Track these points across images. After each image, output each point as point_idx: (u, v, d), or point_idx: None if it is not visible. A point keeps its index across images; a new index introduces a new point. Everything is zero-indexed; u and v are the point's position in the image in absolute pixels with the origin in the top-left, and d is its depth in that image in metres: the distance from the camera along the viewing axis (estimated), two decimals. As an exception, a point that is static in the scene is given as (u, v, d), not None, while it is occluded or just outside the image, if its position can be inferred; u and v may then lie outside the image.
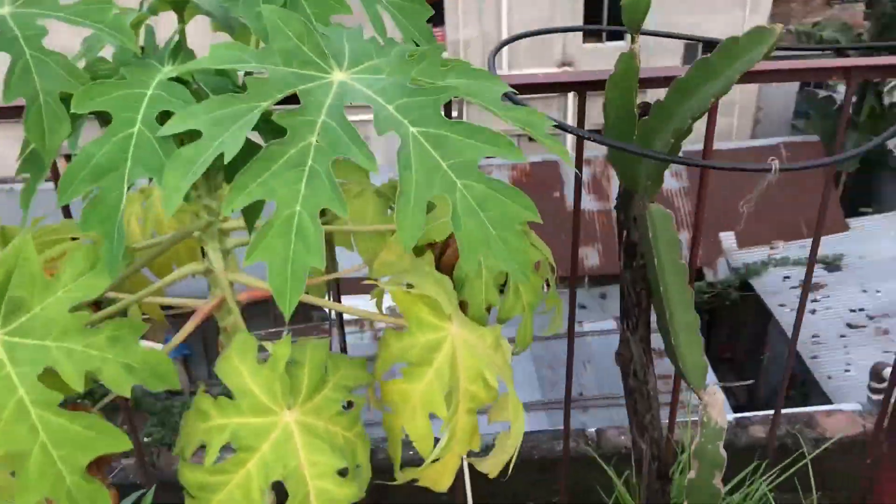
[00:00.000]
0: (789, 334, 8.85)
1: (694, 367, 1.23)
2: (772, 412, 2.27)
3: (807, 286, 1.43)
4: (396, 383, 0.96)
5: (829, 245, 8.94)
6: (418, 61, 0.84)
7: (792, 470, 1.80)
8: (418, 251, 1.07)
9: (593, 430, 2.12)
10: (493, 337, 1.01)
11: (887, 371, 2.22)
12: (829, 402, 7.49)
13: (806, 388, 7.98)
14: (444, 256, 1.07)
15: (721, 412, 1.26)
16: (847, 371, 7.65)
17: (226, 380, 0.87)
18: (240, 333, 0.90)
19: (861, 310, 8.14)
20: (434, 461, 1.00)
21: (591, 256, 8.98)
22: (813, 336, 8.00)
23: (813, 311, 8.25)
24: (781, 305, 8.37)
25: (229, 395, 0.89)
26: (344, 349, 1.27)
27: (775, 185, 1.18)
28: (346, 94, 0.79)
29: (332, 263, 1.22)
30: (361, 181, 1.17)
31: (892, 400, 1.46)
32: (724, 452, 1.26)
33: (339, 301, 1.22)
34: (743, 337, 9.27)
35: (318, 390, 0.90)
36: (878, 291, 8.27)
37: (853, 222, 9.25)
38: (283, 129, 0.75)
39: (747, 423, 2.15)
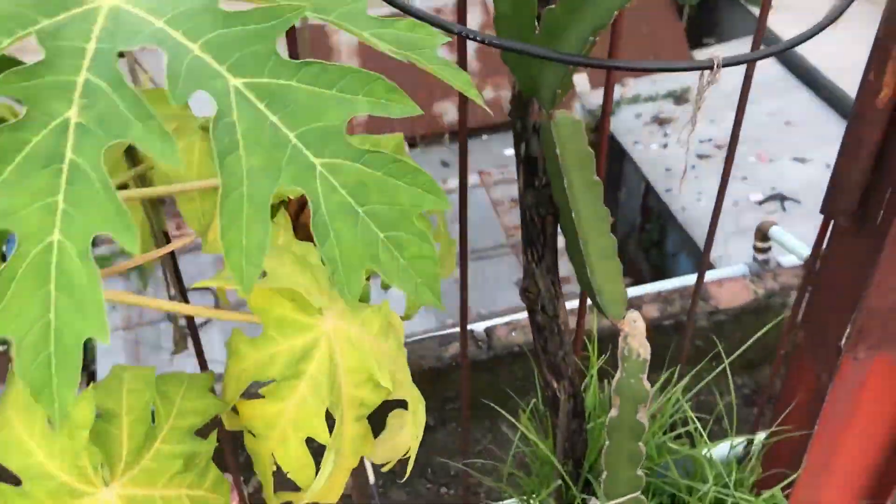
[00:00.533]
0: (643, 170, 9.02)
1: (612, 297, 1.03)
2: (661, 285, 2.15)
3: (726, 174, 1.23)
4: (257, 405, 0.70)
5: (677, 79, 8.98)
6: (233, -38, 0.53)
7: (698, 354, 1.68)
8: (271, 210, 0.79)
9: (482, 329, 1.94)
10: (380, 319, 0.76)
11: (773, 230, 2.12)
12: (684, 231, 7.72)
13: (662, 220, 8.19)
14: (303, 214, 0.80)
15: (643, 342, 1.07)
16: (699, 200, 7.87)
17: (5, 459, 0.58)
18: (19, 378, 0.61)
19: (709, 140, 8.30)
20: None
21: (449, 112, 8.65)
22: (666, 169, 8.13)
23: (665, 146, 8.36)
24: (636, 143, 8.42)
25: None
26: (198, 354, 0.99)
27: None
28: (121, 31, 0.48)
29: (157, 228, 0.92)
30: (178, 114, 0.86)
31: (808, 293, 1.33)
32: (647, 384, 1.08)
33: (180, 283, 0.92)
34: (601, 176, 9.34)
35: (145, 447, 0.63)
36: (723, 119, 8.44)
37: (697, 53, 9.30)
38: (17, 100, 0.45)
39: (640, 303, 2.01)
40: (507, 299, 7.08)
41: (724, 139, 8.41)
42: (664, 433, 1.35)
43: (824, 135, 7.97)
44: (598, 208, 0.98)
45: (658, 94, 8.93)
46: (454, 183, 7.68)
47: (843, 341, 1.24)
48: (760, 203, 7.66)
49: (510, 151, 9.46)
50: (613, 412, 1.09)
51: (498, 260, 8.09)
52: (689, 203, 7.92)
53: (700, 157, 8.16)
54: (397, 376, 0.76)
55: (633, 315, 1.06)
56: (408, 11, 0.86)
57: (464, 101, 1.05)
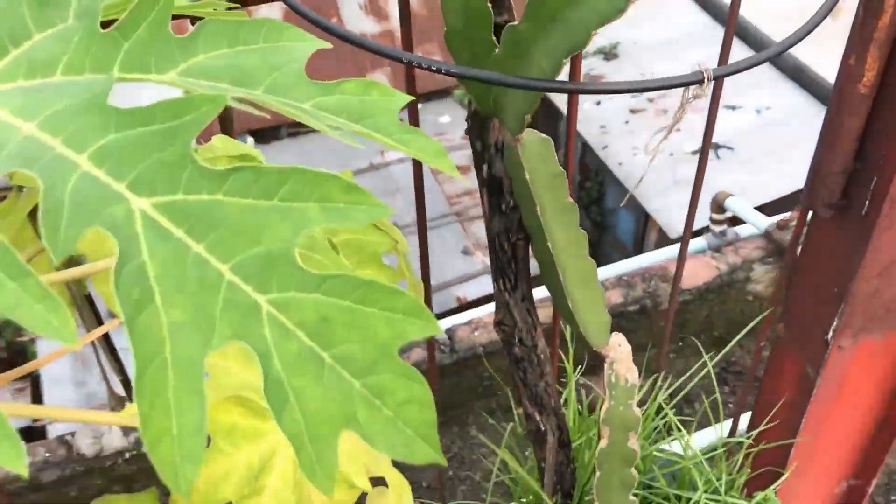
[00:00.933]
0: (579, 128, 8.99)
1: (595, 325, 0.93)
2: (622, 267, 2.06)
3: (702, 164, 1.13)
4: (214, 531, 0.58)
5: (606, 35, 8.93)
6: (129, 27, 0.40)
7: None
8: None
9: (443, 330, 1.83)
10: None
11: (730, 201, 2.05)
12: (623, 187, 7.72)
13: (600, 177, 8.18)
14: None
15: (630, 367, 0.97)
16: (635, 155, 7.87)
17: None
18: None
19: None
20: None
21: (381, 81, 8.42)
22: (601, 127, 8.10)
23: (598, 103, 8.31)
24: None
25: None
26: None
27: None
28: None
29: (78, 293, 0.78)
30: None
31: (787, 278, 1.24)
32: (637, 411, 0.99)
33: (118, 362, 0.79)
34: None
35: None
36: (653, 73, 8.42)
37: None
38: None
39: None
40: (455, 268, 6.99)
41: (655, 93, 8.40)
42: (649, 443, 1.27)
43: (752, 81, 8.00)
44: (573, 232, 0.88)
45: (588, 51, 8.85)
46: (392, 155, 7.52)
47: (830, 334, 1.17)
48: (695, 153, 7.68)
49: (445, 119, 9.32)
50: (604, 443, 0.99)
51: (443, 229, 8.01)
52: (626, 158, 7.91)
53: (633, 111, 8.14)
54: (373, 466, 0.65)
55: (618, 339, 0.96)
56: (343, 37, 0.73)
57: (411, 80, 0.93)
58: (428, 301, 1.06)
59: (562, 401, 1.26)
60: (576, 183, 8.69)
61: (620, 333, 0.97)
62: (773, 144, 6.98)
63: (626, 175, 7.87)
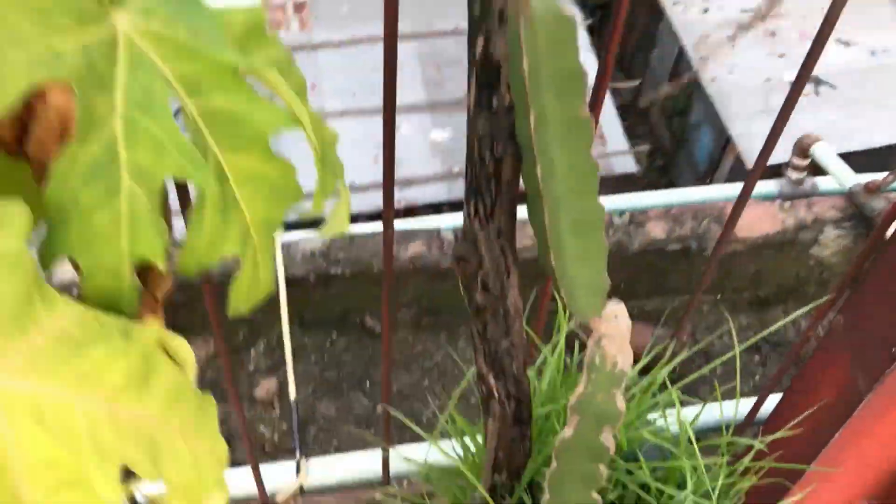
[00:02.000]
0: (679, 33, 8.39)
1: (586, 287, 0.67)
2: (671, 196, 1.76)
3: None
4: None
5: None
6: None
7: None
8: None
9: (450, 229, 1.58)
10: (129, 359, 0.41)
11: (817, 146, 1.71)
12: (710, 103, 7.21)
13: (690, 88, 7.65)
14: (28, 141, 0.42)
15: (624, 348, 0.72)
16: (731, 73, 7.33)
17: None
18: None
19: (751, 11, 7.61)
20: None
21: None
22: (702, 36, 7.51)
23: (705, 10, 7.68)
24: (675, 3, 7.73)
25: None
26: None
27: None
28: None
29: None
30: None
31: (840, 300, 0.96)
32: (621, 403, 0.74)
33: None
34: (633, 34, 8.66)
35: None
36: None
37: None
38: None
39: (644, 219, 1.64)
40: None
41: (767, 9, 7.69)
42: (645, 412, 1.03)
43: (872, 19, 7.28)
44: (581, 158, 0.60)
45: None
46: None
47: (898, 349, 0.89)
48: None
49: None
50: (567, 432, 0.75)
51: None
52: (721, 75, 7.37)
53: (740, 26, 7.49)
54: (161, 458, 0.42)
55: (616, 308, 0.70)
56: None
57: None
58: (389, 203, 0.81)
59: (540, 360, 1.02)
60: (656, 84, 8.15)
61: (622, 303, 0.70)
62: (880, 90, 6.35)
63: (718, 92, 7.35)
